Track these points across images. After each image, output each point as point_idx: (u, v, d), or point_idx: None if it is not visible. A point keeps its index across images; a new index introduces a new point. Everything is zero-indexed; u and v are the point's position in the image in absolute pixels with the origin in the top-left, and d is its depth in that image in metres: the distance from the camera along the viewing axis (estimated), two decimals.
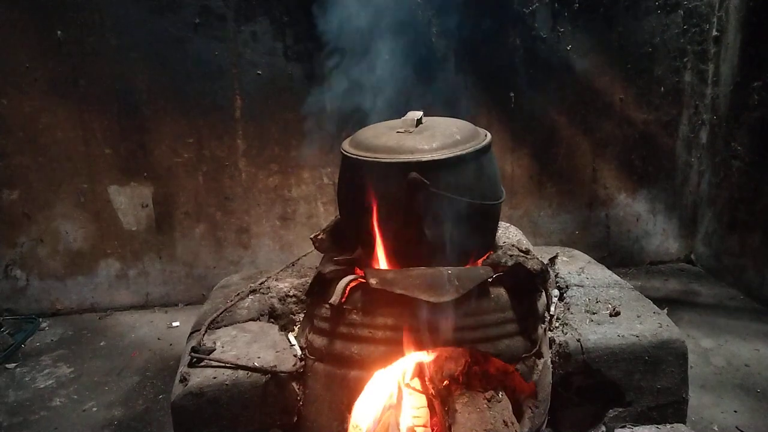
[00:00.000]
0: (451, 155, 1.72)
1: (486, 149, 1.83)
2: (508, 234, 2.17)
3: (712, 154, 3.43)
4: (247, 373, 1.73)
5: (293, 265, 2.37)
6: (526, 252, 1.90)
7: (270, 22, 3.06)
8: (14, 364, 2.76)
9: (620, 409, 1.94)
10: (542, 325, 1.87)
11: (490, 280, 1.75)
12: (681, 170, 3.51)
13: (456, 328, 1.67)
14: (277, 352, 1.82)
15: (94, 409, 2.42)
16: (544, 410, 1.87)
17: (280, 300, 2.13)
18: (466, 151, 1.75)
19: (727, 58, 3.27)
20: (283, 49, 3.10)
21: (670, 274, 3.49)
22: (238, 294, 2.14)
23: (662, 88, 3.36)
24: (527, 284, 1.80)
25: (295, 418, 1.79)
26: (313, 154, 3.23)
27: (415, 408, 1.86)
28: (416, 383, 1.87)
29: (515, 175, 3.39)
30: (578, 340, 1.89)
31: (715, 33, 3.31)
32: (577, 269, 2.37)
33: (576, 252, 2.58)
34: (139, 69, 3.04)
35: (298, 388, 1.79)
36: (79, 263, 3.24)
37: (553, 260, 2.42)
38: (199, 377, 1.72)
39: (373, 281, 1.65)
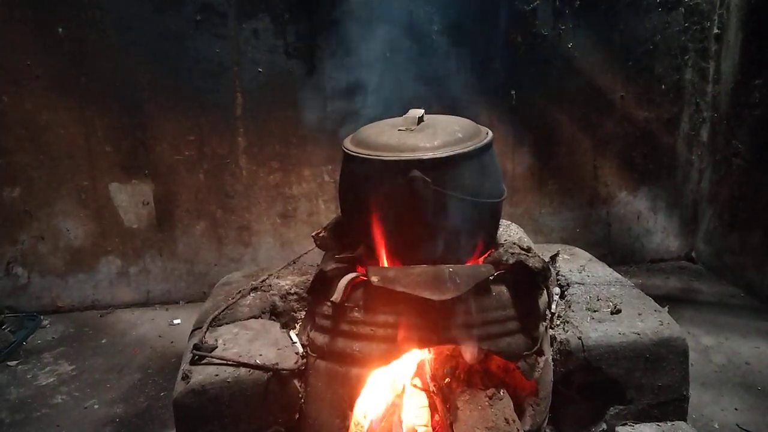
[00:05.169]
0: (453, 153, 1.71)
1: (487, 147, 1.83)
2: (509, 232, 2.17)
3: (712, 152, 3.43)
4: (249, 371, 1.73)
5: (294, 262, 2.37)
6: (528, 250, 1.90)
7: (271, 20, 3.06)
8: (16, 362, 2.77)
9: (621, 407, 1.94)
10: (543, 323, 1.87)
11: (491, 278, 1.75)
12: (682, 168, 3.51)
13: (457, 326, 1.67)
14: (278, 349, 1.82)
15: (96, 406, 2.42)
16: (545, 408, 1.87)
17: (281, 298, 2.13)
18: (468, 149, 1.74)
19: (728, 55, 3.27)
20: (284, 46, 3.10)
21: (671, 272, 3.49)
22: (240, 292, 2.14)
23: (663, 86, 3.36)
24: (528, 282, 1.80)
25: (297, 416, 1.80)
26: (313, 151, 3.23)
27: (417, 406, 1.86)
28: (418, 381, 1.88)
29: (516, 173, 3.39)
30: (579, 338, 1.90)
31: (716, 31, 3.31)
32: (578, 267, 2.37)
33: (577, 250, 2.58)
34: (141, 66, 3.03)
35: (300, 386, 1.79)
36: (80, 261, 3.24)
37: (554, 258, 2.42)
38: (201, 375, 1.72)
39: (374, 279, 1.66)
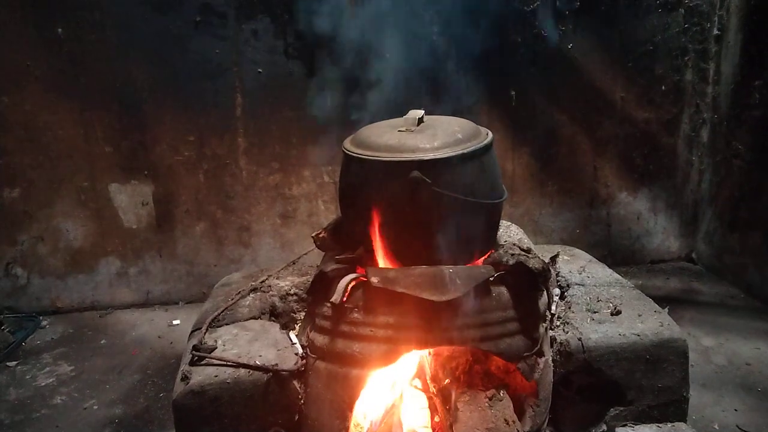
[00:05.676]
0: (453, 154, 1.72)
1: (487, 148, 1.83)
2: (510, 233, 2.17)
3: (713, 153, 3.43)
4: (249, 372, 1.73)
5: (294, 263, 2.37)
6: (528, 251, 1.90)
7: (271, 20, 3.06)
8: (15, 362, 2.77)
9: (621, 408, 1.94)
10: (543, 324, 1.87)
11: (491, 278, 1.75)
12: (682, 169, 3.50)
13: (457, 327, 1.67)
14: (278, 350, 1.82)
15: (95, 407, 2.42)
16: (545, 409, 1.87)
17: (281, 298, 2.13)
18: (468, 149, 1.75)
19: (728, 56, 3.27)
20: (283, 47, 3.10)
21: (671, 273, 3.49)
22: (239, 292, 2.14)
23: (663, 87, 3.36)
24: (529, 283, 1.80)
25: (297, 417, 1.80)
26: (313, 152, 3.23)
27: (417, 407, 1.86)
28: (418, 382, 1.87)
29: (516, 174, 3.39)
30: (579, 339, 1.89)
31: (716, 32, 3.31)
32: (578, 268, 2.37)
33: (577, 251, 2.58)
34: (140, 67, 3.03)
35: (300, 387, 1.79)
36: (80, 261, 3.24)
37: (554, 259, 2.42)
38: (201, 375, 1.72)
39: (374, 280, 1.65)
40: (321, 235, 2.04)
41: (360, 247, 1.85)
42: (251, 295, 2.13)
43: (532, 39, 3.21)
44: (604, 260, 2.51)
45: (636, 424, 1.94)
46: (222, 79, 3.10)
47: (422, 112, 1.90)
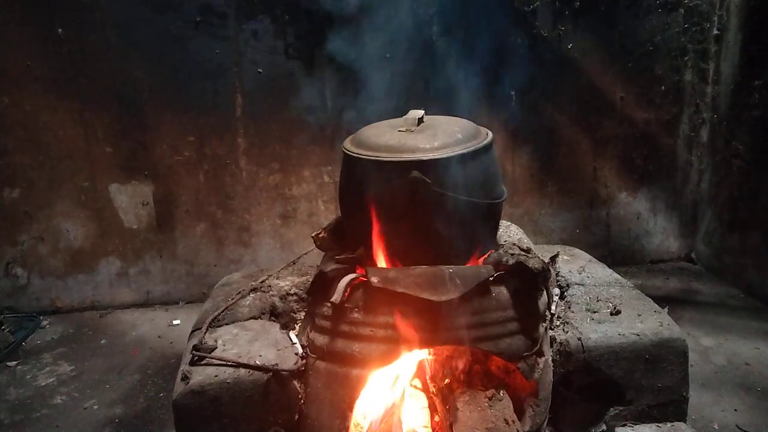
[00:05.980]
0: (453, 154, 1.72)
1: (487, 148, 1.83)
2: (509, 233, 2.18)
3: (712, 153, 3.43)
4: (249, 372, 1.73)
5: (294, 263, 2.37)
6: (527, 251, 1.90)
7: (271, 21, 3.06)
8: (15, 362, 2.77)
9: (621, 408, 1.94)
10: (543, 324, 1.87)
11: (491, 278, 1.75)
12: (681, 169, 3.51)
13: (457, 327, 1.67)
14: (278, 350, 1.82)
15: (95, 407, 2.42)
16: (545, 409, 1.87)
17: (281, 298, 2.13)
18: (468, 150, 1.75)
19: (727, 56, 3.27)
20: (284, 47, 3.10)
21: (671, 273, 3.49)
22: (239, 292, 2.14)
23: (663, 87, 3.36)
24: (528, 283, 1.80)
25: (297, 417, 1.80)
26: (313, 152, 3.23)
27: (417, 406, 1.86)
28: (417, 382, 1.88)
29: (516, 174, 3.39)
30: (579, 339, 1.90)
31: (715, 32, 3.31)
32: (577, 268, 2.37)
33: (577, 251, 2.58)
34: (140, 67, 3.03)
35: (300, 387, 1.79)
36: (80, 261, 3.24)
37: (554, 259, 2.42)
38: (201, 375, 1.72)
39: (374, 280, 1.66)
40: (321, 235, 2.04)
41: (360, 247, 1.85)
42: (251, 295, 2.13)
43: (532, 39, 3.21)
44: (603, 260, 2.51)
45: (636, 424, 1.94)
46: (222, 80, 3.10)
47: (422, 112, 1.90)
